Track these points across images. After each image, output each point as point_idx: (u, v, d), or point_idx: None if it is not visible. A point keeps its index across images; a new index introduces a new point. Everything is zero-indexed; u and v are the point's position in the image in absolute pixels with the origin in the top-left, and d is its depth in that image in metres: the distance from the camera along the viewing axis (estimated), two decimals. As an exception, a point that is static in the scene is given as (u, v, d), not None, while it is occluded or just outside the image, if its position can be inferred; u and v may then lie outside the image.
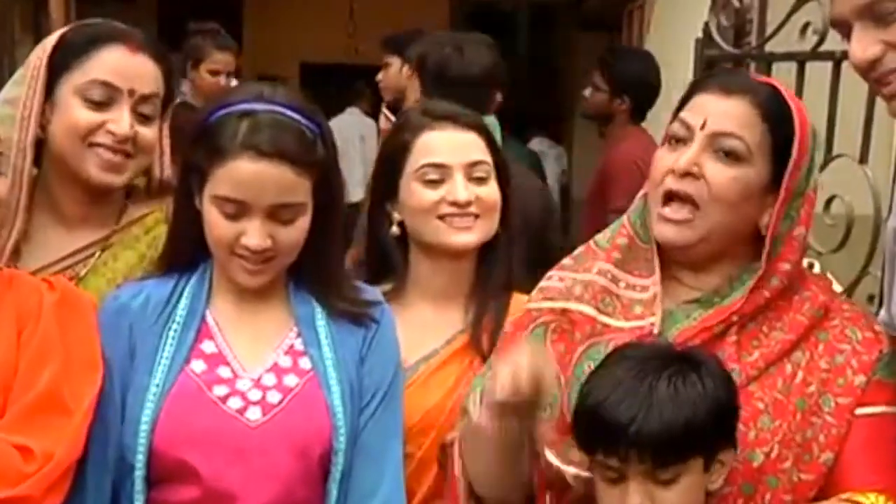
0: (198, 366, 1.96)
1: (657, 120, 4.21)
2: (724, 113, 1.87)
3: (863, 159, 2.76)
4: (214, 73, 5.25)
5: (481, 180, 2.26)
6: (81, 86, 2.15)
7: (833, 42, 2.48)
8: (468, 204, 2.23)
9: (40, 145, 2.19)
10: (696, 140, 1.87)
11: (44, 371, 1.84)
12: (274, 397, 1.95)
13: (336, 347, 2.00)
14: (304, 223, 1.95)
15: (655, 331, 1.88)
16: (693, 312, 1.91)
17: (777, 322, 1.89)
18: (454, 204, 2.23)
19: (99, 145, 2.15)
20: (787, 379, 1.85)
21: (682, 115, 1.91)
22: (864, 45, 1.76)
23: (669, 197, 1.89)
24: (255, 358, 1.99)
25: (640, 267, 1.95)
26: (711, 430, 1.72)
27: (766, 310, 1.90)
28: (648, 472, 1.70)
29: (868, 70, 1.77)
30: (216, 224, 1.92)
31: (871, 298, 2.55)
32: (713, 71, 2.02)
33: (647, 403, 1.69)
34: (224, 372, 1.97)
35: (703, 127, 1.87)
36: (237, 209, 1.90)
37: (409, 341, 2.19)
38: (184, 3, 8.96)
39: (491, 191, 2.27)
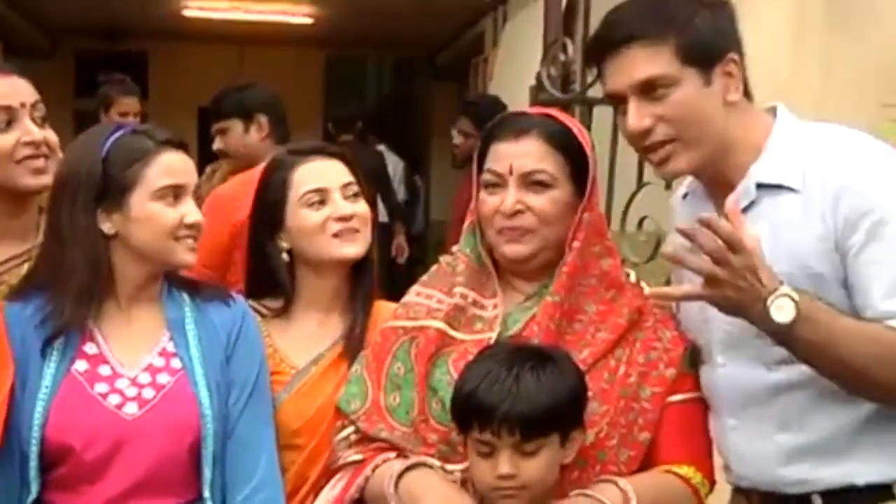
0: (81, 365, 1.97)
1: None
2: (522, 154, 1.94)
3: (668, 186, 2.82)
4: (124, 114, 5.17)
5: (355, 197, 2.27)
6: None
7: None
8: (351, 217, 2.22)
9: None
10: (510, 184, 1.94)
11: None
12: (149, 393, 1.97)
13: (203, 348, 2.01)
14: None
15: (491, 342, 1.94)
16: (528, 311, 1.97)
17: (602, 325, 1.95)
18: (340, 219, 2.21)
19: (25, 158, 2.18)
20: (612, 371, 1.92)
21: (489, 165, 1.97)
22: (639, 116, 1.80)
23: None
24: (132, 357, 2.00)
25: (480, 286, 2.01)
26: (567, 411, 1.80)
27: (583, 311, 1.95)
28: (516, 444, 1.77)
29: (640, 139, 1.83)
30: (162, 213, 1.95)
31: (676, 302, 2.60)
32: (499, 119, 2.06)
33: (516, 388, 1.76)
34: (104, 370, 1.98)
35: (511, 172, 1.94)
36: (175, 192, 1.97)
37: (298, 349, 2.20)
38: (97, 59, 8.83)
39: (364, 207, 2.27)
